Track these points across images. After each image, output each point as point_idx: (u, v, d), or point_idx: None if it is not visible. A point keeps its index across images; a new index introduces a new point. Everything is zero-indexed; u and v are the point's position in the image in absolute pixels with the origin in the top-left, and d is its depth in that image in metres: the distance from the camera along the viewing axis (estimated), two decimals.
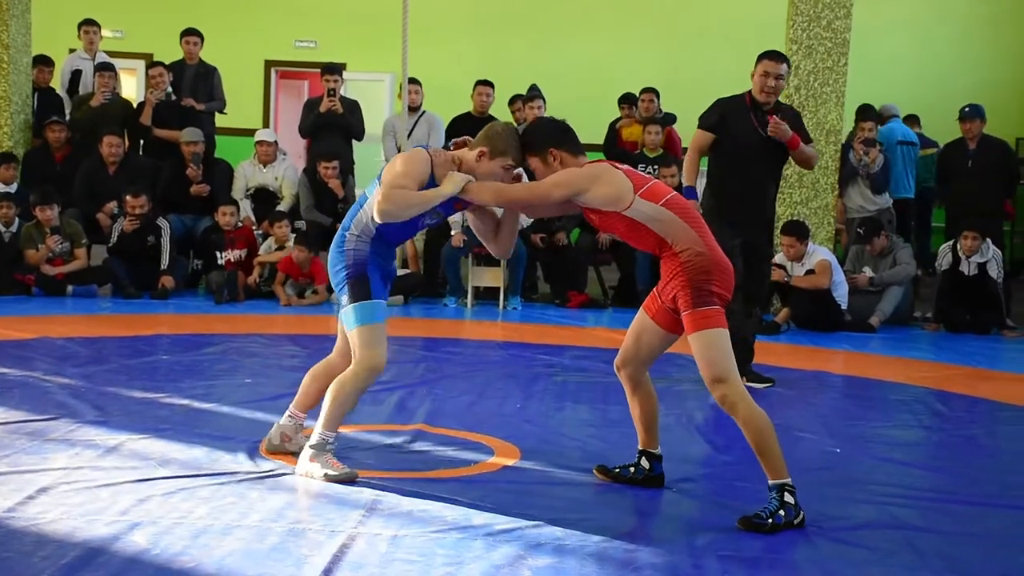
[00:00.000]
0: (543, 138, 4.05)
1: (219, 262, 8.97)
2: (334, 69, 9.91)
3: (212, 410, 5.12)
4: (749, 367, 5.94)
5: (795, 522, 3.71)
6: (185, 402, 5.23)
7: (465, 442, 4.55)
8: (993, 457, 4.98)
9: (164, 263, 8.86)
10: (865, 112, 9.77)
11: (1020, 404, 5.94)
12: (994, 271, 8.40)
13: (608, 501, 3.96)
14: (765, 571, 3.37)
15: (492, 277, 9.07)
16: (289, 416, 4.36)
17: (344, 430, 4.80)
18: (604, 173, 3.93)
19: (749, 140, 5.99)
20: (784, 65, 6.07)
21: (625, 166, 4.05)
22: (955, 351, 7.69)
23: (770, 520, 3.68)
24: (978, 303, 8.44)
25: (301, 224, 9.43)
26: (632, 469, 4.18)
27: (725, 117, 6.06)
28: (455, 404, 5.38)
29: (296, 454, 4.20)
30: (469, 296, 9.01)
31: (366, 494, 3.88)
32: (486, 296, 9.20)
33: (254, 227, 9.38)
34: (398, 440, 4.69)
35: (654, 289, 4.06)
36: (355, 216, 4.07)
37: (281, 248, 8.91)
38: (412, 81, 9.63)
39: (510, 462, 4.38)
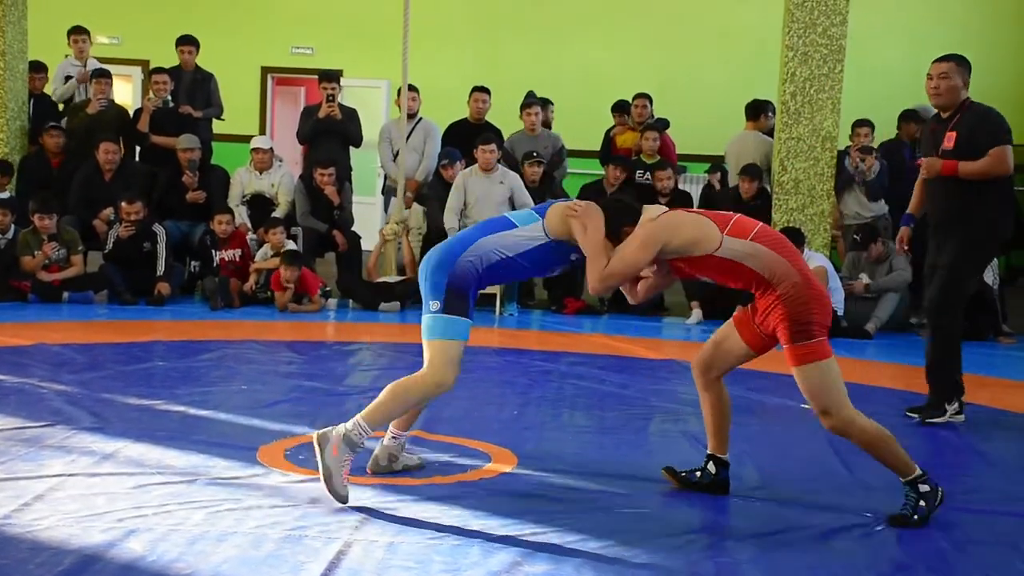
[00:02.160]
0: (628, 216, 4.01)
1: (214, 263, 8.96)
2: (332, 76, 9.93)
3: (208, 416, 5.12)
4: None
5: (936, 504, 3.91)
6: (181, 408, 5.22)
7: (462, 448, 4.54)
8: (991, 464, 4.98)
9: (160, 269, 8.85)
10: (908, 116, 9.73)
11: (1017, 411, 5.94)
12: (989, 278, 8.41)
13: (606, 507, 3.95)
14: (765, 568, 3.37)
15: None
16: (392, 437, 4.21)
17: None
18: (680, 219, 3.93)
19: (928, 154, 5.74)
20: (946, 63, 5.64)
21: (698, 209, 4.02)
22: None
23: (915, 516, 3.86)
24: (974, 309, 8.44)
25: (297, 231, 9.44)
26: (699, 474, 4.21)
27: (924, 131, 5.96)
28: (452, 410, 5.37)
29: (397, 473, 4.17)
30: None
31: (363, 501, 3.88)
32: (482, 302, 9.18)
33: (249, 232, 9.38)
34: None
35: (749, 305, 4.04)
36: (476, 242, 3.91)
37: (277, 255, 8.90)
38: (409, 88, 9.64)
39: (507, 468, 4.38)
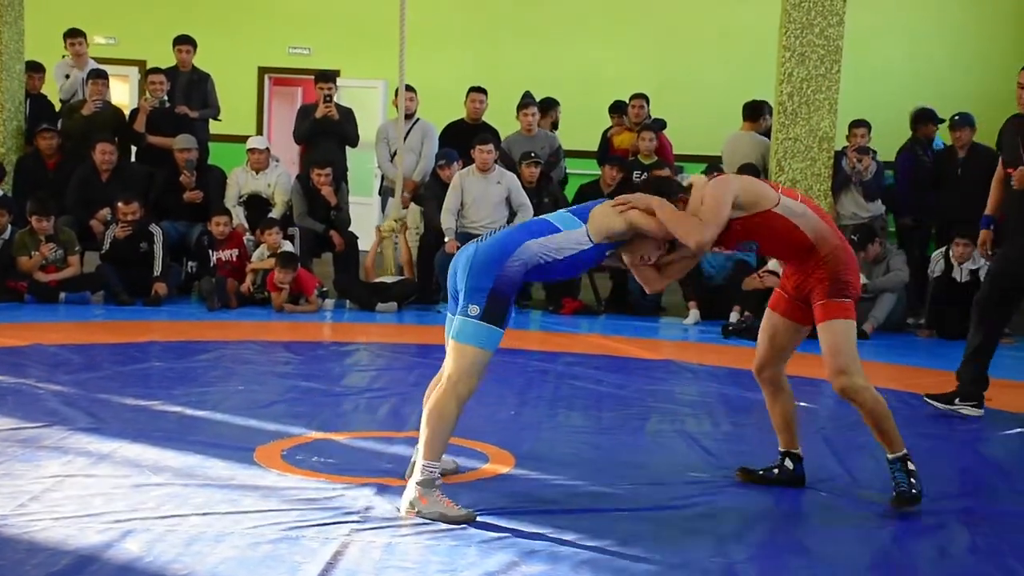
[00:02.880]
0: (676, 187, 4.10)
1: (211, 263, 8.96)
2: (328, 76, 9.93)
3: (205, 417, 5.12)
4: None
5: (915, 481, 4.03)
6: (178, 409, 5.21)
7: (460, 449, 4.53)
8: (990, 464, 4.98)
9: (157, 270, 8.85)
10: (927, 117, 9.68)
11: (1014, 411, 5.94)
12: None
13: (603, 508, 3.95)
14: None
15: None
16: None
17: (338, 437, 4.82)
18: (736, 178, 4.08)
19: (1012, 160, 5.76)
20: None
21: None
22: (948, 357, 7.65)
23: (914, 491, 3.99)
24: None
25: (294, 231, 9.43)
26: (776, 471, 4.30)
27: (1001, 135, 5.91)
28: None
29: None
30: None
31: (360, 501, 3.88)
32: None
33: (246, 233, 9.37)
34: (392, 447, 4.67)
35: (777, 287, 4.22)
36: (522, 245, 3.81)
37: (273, 255, 8.90)
38: (406, 88, 9.64)
39: (504, 469, 4.39)
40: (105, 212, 9.18)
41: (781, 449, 4.32)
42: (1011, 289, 5.77)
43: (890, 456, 4.06)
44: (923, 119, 9.71)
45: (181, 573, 3.18)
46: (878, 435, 4.08)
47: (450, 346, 3.82)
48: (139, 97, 11.48)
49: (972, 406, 5.76)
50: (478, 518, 3.71)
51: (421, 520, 3.70)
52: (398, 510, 3.76)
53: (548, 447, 4.81)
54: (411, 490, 3.75)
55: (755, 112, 9.83)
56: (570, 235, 3.85)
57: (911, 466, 4.04)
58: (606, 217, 3.88)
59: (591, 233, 3.86)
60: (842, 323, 3.96)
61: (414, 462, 4.11)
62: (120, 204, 8.84)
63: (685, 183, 4.20)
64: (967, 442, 5.34)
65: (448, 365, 3.81)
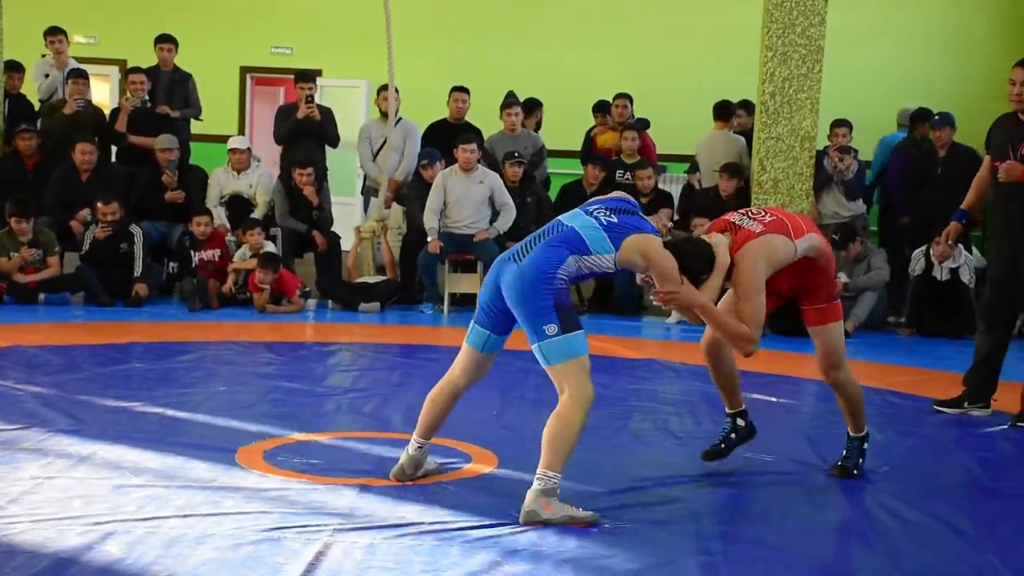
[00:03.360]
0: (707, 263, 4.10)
1: (193, 263, 8.93)
2: (309, 77, 9.89)
3: (186, 418, 5.10)
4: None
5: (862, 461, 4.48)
6: (159, 410, 5.19)
7: (442, 449, 4.53)
8: (963, 465, 4.99)
9: (137, 270, 8.81)
10: (923, 117, 9.72)
11: (992, 410, 5.96)
12: (966, 276, 8.46)
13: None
14: (742, 572, 3.38)
15: (469, 283, 9.06)
16: (417, 446, 4.17)
17: (320, 438, 4.82)
18: (764, 244, 4.10)
19: (1000, 157, 5.74)
20: (1021, 69, 5.58)
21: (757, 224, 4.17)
22: (929, 356, 7.74)
23: (855, 472, 4.46)
24: (951, 308, 8.49)
25: (276, 231, 9.41)
26: (733, 435, 4.57)
27: (990, 134, 5.90)
28: None
29: (422, 478, 4.16)
30: (446, 303, 9.00)
31: (342, 502, 3.88)
32: (463, 303, 9.18)
33: (228, 234, 9.34)
34: (375, 448, 4.67)
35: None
36: (565, 262, 3.85)
37: (255, 256, 8.87)
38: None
39: (487, 469, 4.39)
40: (85, 213, 9.13)
41: (730, 411, 4.57)
42: (1015, 290, 5.80)
43: (852, 434, 4.52)
44: (920, 119, 9.77)
45: (162, 575, 3.16)
46: (849, 417, 4.49)
47: (551, 373, 3.85)
48: (120, 97, 11.42)
49: (980, 407, 5.85)
50: (457, 523, 3.70)
51: (404, 521, 3.69)
52: (519, 521, 3.71)
53: (531, 447, 4.76)
54: (531, 499, 3.73)
55: (725, 112, 9.91)
56: (602, 259, 3.90)
57: (865, 447, 4.51)
58: (633, 256, 3.91)
59: (617, 260, 3.91)
60: (835, 327, 4.35)
61: (403, 464, 4.15)
62: (100, 204, 8.79)
63: (705, 238, 4.20)
64: (946, 440, 5.36)
65: (560, 388, 3.84)
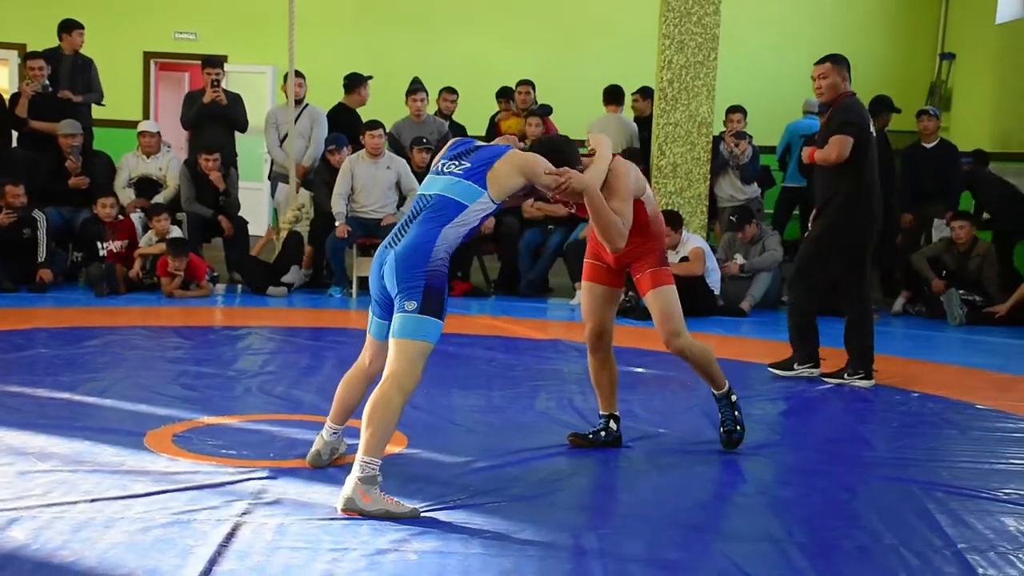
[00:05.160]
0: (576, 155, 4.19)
1: (100, 253, 8.84)
2: (215, 62, 9.84)
3: (94, 403, 5.06)
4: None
5: (739, 414, 4.51)
6: (65, 395, 5.15)
7: (351, 430, 4.58)
8: (854, 434, 5.20)
9: (41, 256, 8.70)
10: (885, 106, 9.88)
11: (879, 383, 6.23)
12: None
13: (493, 485, 4.04)
14: (640, 542, 3.51)
15: None
16: (332, 432, 4.15)
17: (230, 420, 4.84)
18: (630, 169, 4.24)
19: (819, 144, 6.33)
20: (823, 65, 6.22)
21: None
22: (822, 333, 7.98)
23: (738, 427, 4.50)
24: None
25: (182, 216, 9.35)
26: (603, 433, 4.59)
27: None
28: None
29: (336, 459, 4.14)
30: (354, 286, 9.05)
31: (252, 483, 3.90)
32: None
33: (138, 210, 9.26)
34: (285, 430, 4.70)
35: (588, 258, 4.49)
36: (439, 236, 3.77)
37: (162, 240, 8.82)
38: (295, 74, 9.63)
39: (397, 449, 4.43)
40: None
41: (604, 412, 4.61)
42: (811, 271, 6.27)
43: (716, 393, 4.52)
44: (881, 108, 9.89)
45: (69, 560, 3.15)
46: (705, 378, 4.50)
47: (390, 344, 3.76)
48: (19, 81, 11.19)
49: (861, 377, 6.17)
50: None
51: (314, 501, 3.73)
52: (336, 508, 3.65)
53: (440, 426, 4.89)
54: (351, 487, 3.65)
55: (616, 96, 10.21)
56: (476, 205, 3.83)
57: (734, 398, 4.52)
58: (509, 179, 3.88)
59: (493, 196, 3.86)
60: (670, 289, 4.34)
61: (318, 450, 4.15)
62: (8, 187, 8.66)
63: (588, 142, 4.35)
64: (837, 413, 5.59)
65: (390, 362, 3.74)
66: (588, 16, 12.99)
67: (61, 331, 6.94)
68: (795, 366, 6.28)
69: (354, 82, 10.03)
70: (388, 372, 3.72)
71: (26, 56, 10.13)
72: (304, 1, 9.19)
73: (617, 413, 4.63)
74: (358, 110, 10.03)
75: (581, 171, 4.10)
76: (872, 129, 6.19)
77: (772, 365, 6.37)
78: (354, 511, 3.62)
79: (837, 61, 6.19)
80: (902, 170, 10.37)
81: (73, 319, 7.45)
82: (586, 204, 4.09)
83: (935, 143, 9.91)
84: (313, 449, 4.18)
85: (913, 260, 9.09)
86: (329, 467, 4.16)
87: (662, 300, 4.32)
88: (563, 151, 4.11)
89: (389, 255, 3.81)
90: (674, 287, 4.36)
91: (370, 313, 4.02)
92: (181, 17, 13.15)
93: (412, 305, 3.70)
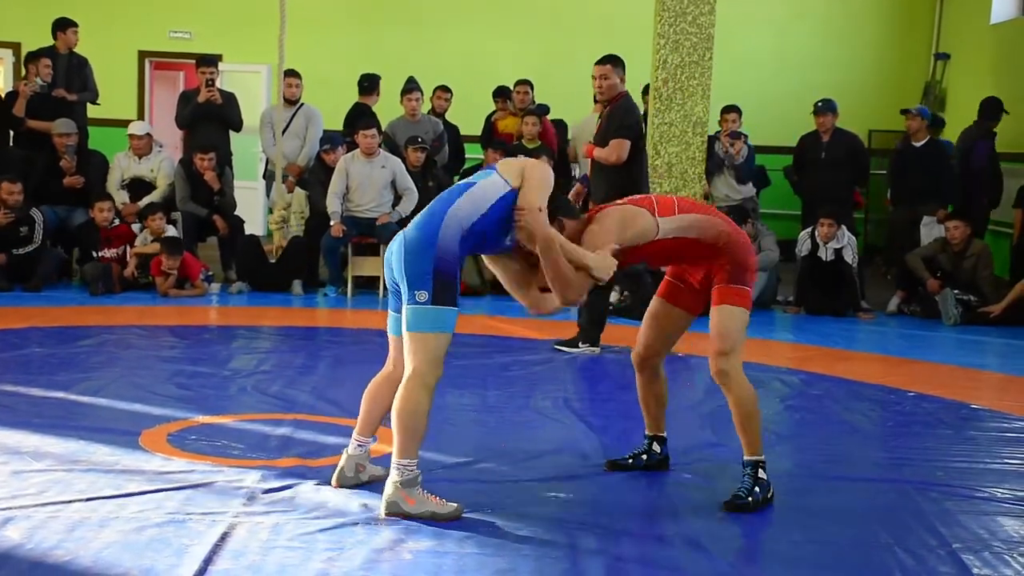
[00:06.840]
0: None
1: (97, 257, 8.83)
2: (210, 61, 9.84)
3: (89, 402, 5.06)
4: None
5: (768, 496, 3.92)
6: (60, 395, 5.15)
7: (346, 429, 4.58)
8: (850, 434, 5.22)
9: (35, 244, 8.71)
10: (820, 108, 9.84)
11: (875, 383, 6.25)
12: (849, 256, 8.80)
13: (488, 485, 4.05)
14: (635, 542, 3.52)
15: (371, 267, 9.11)
16: (358, 444, 3.96)
17: (225, 420, 4.84)
18: (623, 213, 3.92)
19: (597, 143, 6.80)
20: (601, 66, 6.78)
21: (627, 198, 4.09)
22: (814, 333, 8.01)
23: (750, 499, 3.87)
24: (835, 287, 8.83)
25: (177, 216, 9.35)
26: (644, 456, 4.33)
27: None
28: (336, 392, 5.43)
29: (367, 483, 3.93)
30: (349, 286, 9.04)
31: (247, 483, 3.90)
32: (366, 286, 9.24)
33: (132, 218, 9.25)
34: (279, 429, 4.71)
35: (668, 276, 4.18)
36: (447, 215, 3.62)
37: (157, 240, 8.81)
38: (291, 73, 9.62)
39: (391, 448, 4.42)
40: None
41: (649, 433, 4.34)
42: None
43: (746, 457, 3.96)
44: (997, 111, 9.95)
45: (64, 559, 3.15)
46: (740, 430, 3.96)
47: (405, 339, 3.62)
48: (15, 80, 11.18)
49: (589, 346, 6.76)
50: (361, 502, 3.75)
51: (309, 501, 3.73)
52: (376, 516, 3.61)
53: (434, 426, 4.81)
54: (391, 491, 3.61)
55: None
56: (486, 183, 3.72)
57: (762, 474, 3.93)
58: (515, 167, 3.77)
59: (504, 175, 3.74)
60: (735, 310, 3.91)
61: (343, 468, 3.95)
62: (5, 183, 8.65)
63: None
64: (830, 413, 5.59)
65: (409, 359, 3.62)
66: (587, 15, 13.00)
67: (56, 330, 6.94)
68: (579, 344, 6.77)
69: (373, 84, 10.03)
70: (410, 370, 3.61)
71: (28, 56, 10.10)
72: (298, 0, 9.17)
73: (663, 434, 4.33)
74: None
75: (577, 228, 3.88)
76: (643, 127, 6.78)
77: (558, 343, 6.84)
78: (398, 515, 3.59)
79: (616, 62, 6.69)
80: (890, 169, 10.45)
81: (68, 318, 7.45)
82: (539, 254, 3.73)
83: (924, 142, 9.96)
84: (338, 468, 3.97)
85: (908, 260, 9.11)
86: (320, 464, 4.13)
87: (718, 318, 3.92)
88: (563, 209, 3.91)
89: (397, 239, 3.72)
90: (741, 309, 3.93)
91: (389, 312, 3.87)
92: (176, 16, 13.13)
93: (423, 295, 3.56)
